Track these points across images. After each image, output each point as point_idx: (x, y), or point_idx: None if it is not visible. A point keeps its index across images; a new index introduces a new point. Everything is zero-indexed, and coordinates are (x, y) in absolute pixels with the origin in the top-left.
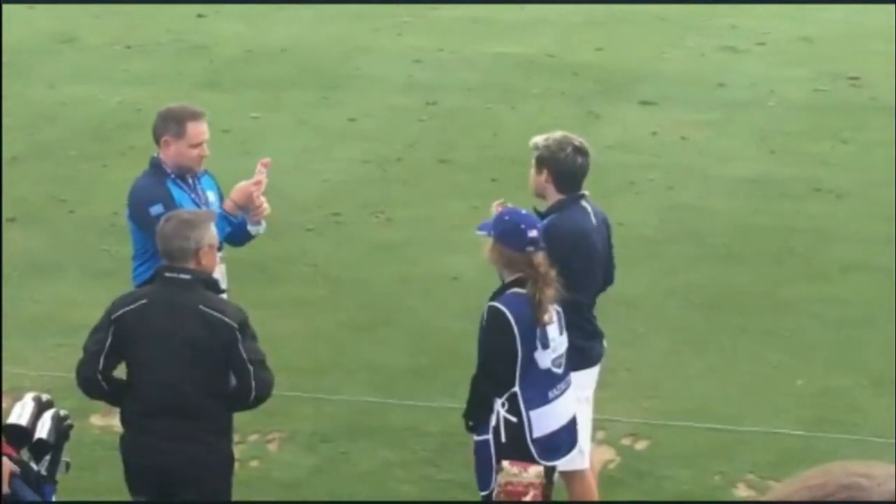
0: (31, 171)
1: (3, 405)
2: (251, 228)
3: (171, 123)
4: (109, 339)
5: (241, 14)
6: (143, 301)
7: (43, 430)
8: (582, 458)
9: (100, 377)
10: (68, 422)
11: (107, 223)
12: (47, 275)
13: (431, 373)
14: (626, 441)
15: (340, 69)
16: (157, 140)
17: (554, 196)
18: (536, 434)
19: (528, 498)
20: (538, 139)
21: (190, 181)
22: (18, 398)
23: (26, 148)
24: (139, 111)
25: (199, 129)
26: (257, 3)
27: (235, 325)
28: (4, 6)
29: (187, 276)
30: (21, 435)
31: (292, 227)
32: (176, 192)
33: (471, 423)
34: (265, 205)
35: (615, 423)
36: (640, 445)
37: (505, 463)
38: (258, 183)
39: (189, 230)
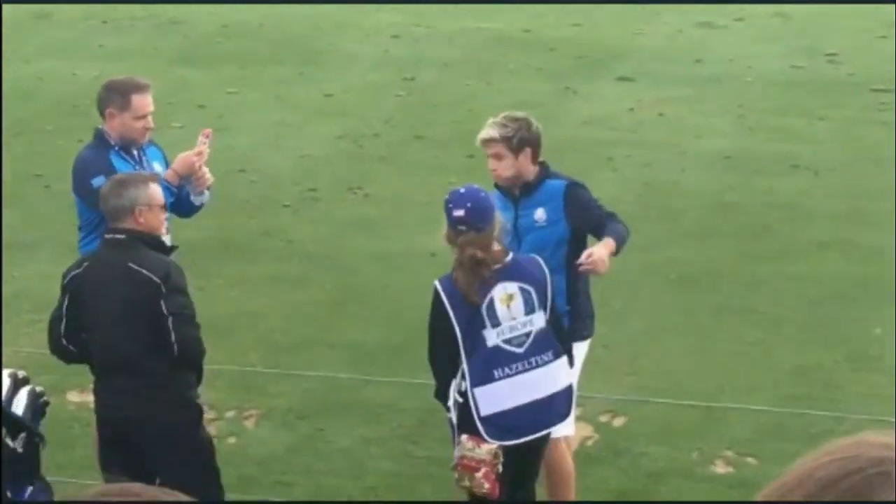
0: (6, 147)
1: None
2: (194, 199)
3: (116, 95)
4: (65, 303)
5: None
6: (87, 264)
7: (18, 407)
8: (565, 426)
9: (64, 341)
10: (44, 398)
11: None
12: (23, 251)
13: (408, 349)
14: (603, 418)
15: (317, 45)
16: (101, 112)
17: (532, 170)
18: (484, 412)
19: (479, 474)
20: (498, 131)
21: (135, 153)
22: None
23: (1, 123)
24: None
25: (144, 102)
26: None
27: (158, 280)
28: None
29: (122, 236)
30: None
31: (269, 204)
32: (119, 163)
33: (446, 405)
34: (207, 174)
35: (592, 399)
36: (618, 422)
37: (463, 437)
38: (200, 153)
39: (123, 189)
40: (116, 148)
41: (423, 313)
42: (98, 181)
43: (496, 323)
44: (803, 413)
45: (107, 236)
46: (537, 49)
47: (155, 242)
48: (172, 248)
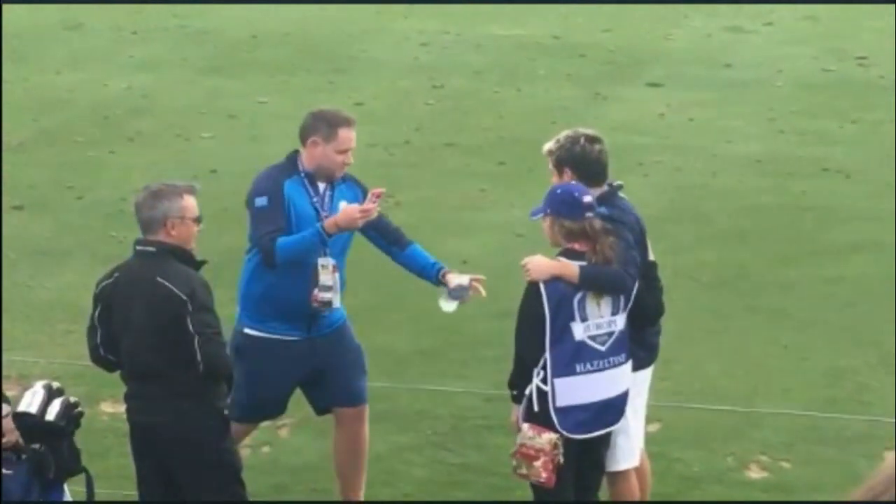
0: (37, 158)
1: (12, 393)
2: (447, 304)
3: (323, 125)
4: (97, 313)
5: None
6: (117, 274)
7: (52, 416)
8: (628, 457)
9: (101, 351)
10: (78, 409)
11: (114, 209)
12: (55, 262)
13: (440, 356)
14: None
15: (347, 52)
16: (303, 139)
17: None
18: (560, 403)
19: (538, 463)
20: (549, 144)
21: (321, 187)
22: (28, 386)
23: (33, 134)
24: (145, 97)
25: (349, 136)
26: None
27: (184, 298)
28: None
29: (152, 249)
30: (31, 423)
31: None
32: (295, 189)
33: (514, 393)
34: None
35: None
36: (652, 428)
37: (525, 425)
38: (365, 211)
39: (156, 200)
40: (302, 175)
41: (455, 321)
42: (260, 201)
43: (585, 318)
44: (837, 416)
45: (138, 247)
46: (566, 55)
47: (185, 256)
48: (202, 263)
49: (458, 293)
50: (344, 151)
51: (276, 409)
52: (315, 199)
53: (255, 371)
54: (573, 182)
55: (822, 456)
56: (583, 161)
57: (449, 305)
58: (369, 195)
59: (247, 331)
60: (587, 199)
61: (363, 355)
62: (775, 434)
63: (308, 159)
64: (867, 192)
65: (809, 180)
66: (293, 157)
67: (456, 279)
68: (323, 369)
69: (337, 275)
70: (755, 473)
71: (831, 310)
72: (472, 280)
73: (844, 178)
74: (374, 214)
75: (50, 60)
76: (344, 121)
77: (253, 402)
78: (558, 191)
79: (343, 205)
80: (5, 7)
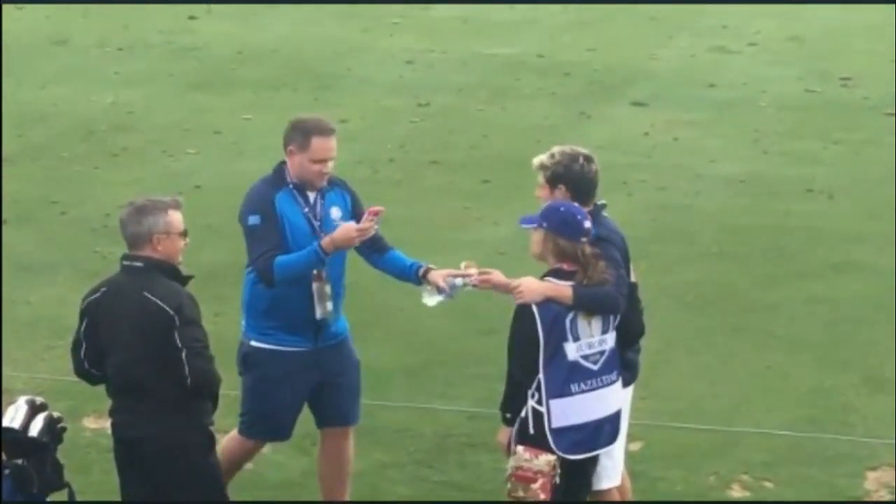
0: (22, 173)
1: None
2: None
3: (298, 134)
4: (83, 326)
5: (232, 15)
6: (104, 289)
7: (35, 431)
8: (611, 476)
9: (86, 365)
10: (61, 424)
11: (99, 224)
12: (39, 276)
13: (423, 374)
14: None
15: (332, 70)
16: (284, 147)
17: None
18: (555, 424)
19: (535, 485)
20: (542, 158)
21: (311, 196)
22: (12, 401)
23: (17, 149)
24: (131, 113)
25: (325, 146)
26: (248, 4)
27: (171, 312)
28: None
29: (139, 264)
30: (14, 439)
31: None
32: (286, 202)
33: (508, 416)
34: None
35: None
36: (634, 446)
37: (519, 448)
38: (362, 230)
39: (141, 216)
40: (291, 186)
41: (438, 338)
42: (253, 220)
43: (577, 337)
44: (820, 436)
45: (124, 262)
46: (551, 74)
47: (171, 271)
48: (188, 278)
49: (450, 291)
50: (320, 161)
51: (284, 424)
52: (307, 210)
53: (265, 382)
54: (574, 203)
55: (805, 476)
56: (580, 180)
57: (432, 300)
58: (366, 214)
59: (254, 343)
60: (587, 224)
61: (360, 373)
62: (758, 454)
63: (291, 169)
64: (851, 212)
65: (793, 201)
66: (280, 169)
67: (441, 276)
68: (325, 382)
69: (329, 285)
70: (737, 493)
71: (815, 330)
72: (465, 273)
73: (828, 198)
74: (372, 233)
75: (36, 75)
76: (317, 129)
77: (263, 415)
78: (561, 209)
79: (335, 212)
80: None
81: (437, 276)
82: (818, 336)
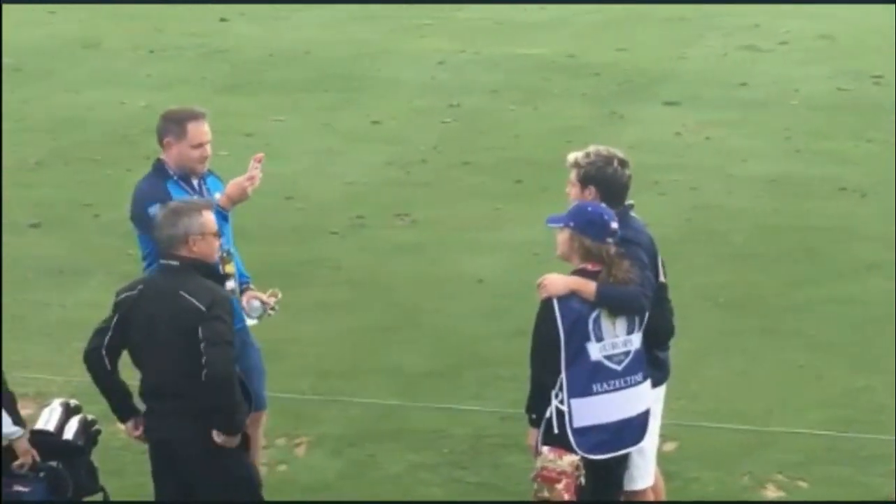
0: (55, 176)
1: (28, 412)
2: (248, 320)
3: (172, 124)
4: (115, 318)
5: (262, 17)
6: (140, 287)
7: (69, 434)
8: (644, 477)
9: (103, 351)
10: (96, 427)
11: (131, 227)
12: (73, 280)
13: (456, 375)
14: None
15: (363, 71)
16: (160, 142)
17: None
18: (577, 423)
19: (559, 486)
20: (578, 156)
21: (195, 183)
22: (46, 403)
23: (50, 153)
24: None
25: (200, 130)
26: (279, 5)
27: (203, 308)
28: (26, 9)
29: (176, 263)
30: (47, 441)
31: (316, 231)
32: (177, 192)
33: (533, 416)
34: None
35: None
36: (668, 447)
37: (544, 448)
38: (251, 178)
39: (177, 218)
40: (175, 178)
41: (471, 339)
42: (154, 209)
43: (600, 337)
44: (853, 436)
45: (162, 262)
46: (582, 74)
47: (208, 270)
48: (225, 277)
49: (255, 311)
50: (198, 146)
51: None
52: (196, 196)
53: None
54: (601, 204)
55: (839, 476)
56: (612, 183)
57: (250, 320)
58: (251, 162)
59: None
60: (614, 225)
61: (262, 357)
62: (791, 454)
63: (170, 160)
64: (883, 211)
65: (825, 200)
66: (159, 165)
67: (247, 297)
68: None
69: (231, 263)
70: (772, 493)
71: (846, 330)
72: (269, 296)
73: (860, 197)
74: (258, 182)
75: (68, 79)
76: (191, 115)
77: None
78: (588, 208)
79: (219, 195)
80: (24, 26)
81: (246, 296)
82: (851, 336)
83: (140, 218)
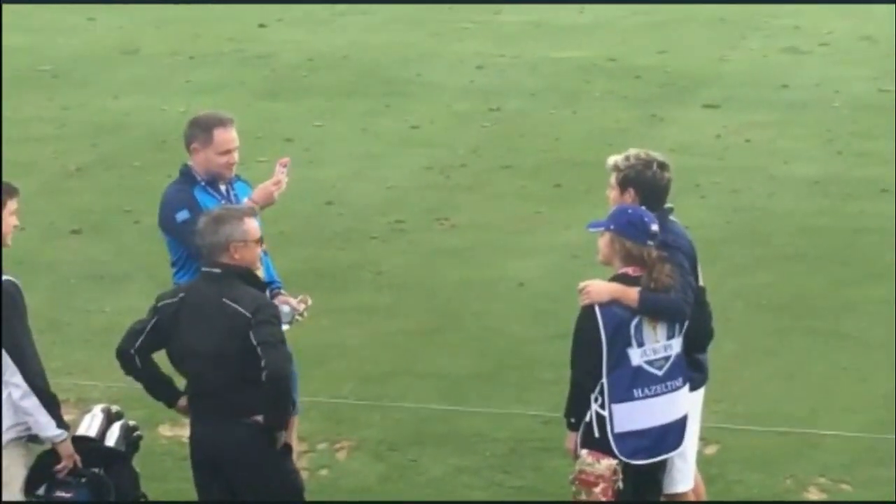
0: (95, 182)
1: (70, 417)
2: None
3: (199, 131)
4: (152, 322)
5: (301, 22)
6: (182, 294)
7: (111, 440)
8: (685, 479)
9: (133, 352)
10: (137, 433)
11: None
12: (113, 285)
13: (498, 379)
14: None
15: (402, 76)
16: (187, 147)
17: None
18: (618, 429)
19: (597, 489)
20: (617, 159)
21: (222, 188)
22: (87, 409)
23: (91, 159)
24: None
25: (227, 136)
26: (318, 9)
27: (249, 315)
28: (66, 16)
29: (218, 271)
30: (90, 447)
31: (357, 235)
32: (205, 198)
33: (572, 420)
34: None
35: None
36: (710, 450)
37: (583, 451)
38: (277, 183)
39: (218, 225)
40: (203, 183)
41: (513, 342)
42: (182, 215)
43: (641, 343)
44: None
45: (204, 269)
46: (622, 77)
47: (250, 277)
48: (267, 284)
49: (285, 316)
50: (225, 152)
51: None
52: (223, 202)
53: None
54: (642, 207)
55: (882, 478)
56: (653, 187)
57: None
58: (277, 165)
59: None
60: (654, 227)
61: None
62: (835, 456)
63: (197, 166)
64: None
65: (867, 201)
66: (186, 170)
67: (280, 302)
68: None
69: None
70: (814, 496)
71: (890, 331)
72: (299, 302)
73: None
74: (284, 185)
75: (108, 85)
76: (218, 121)
77: None
78: (629, 210)
79: (247, 201)
80: (63, 33)
81: (276, 300)
82: (893, 337)
83: (168, 224)
